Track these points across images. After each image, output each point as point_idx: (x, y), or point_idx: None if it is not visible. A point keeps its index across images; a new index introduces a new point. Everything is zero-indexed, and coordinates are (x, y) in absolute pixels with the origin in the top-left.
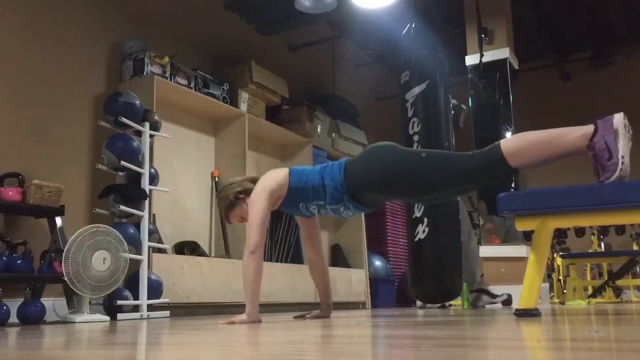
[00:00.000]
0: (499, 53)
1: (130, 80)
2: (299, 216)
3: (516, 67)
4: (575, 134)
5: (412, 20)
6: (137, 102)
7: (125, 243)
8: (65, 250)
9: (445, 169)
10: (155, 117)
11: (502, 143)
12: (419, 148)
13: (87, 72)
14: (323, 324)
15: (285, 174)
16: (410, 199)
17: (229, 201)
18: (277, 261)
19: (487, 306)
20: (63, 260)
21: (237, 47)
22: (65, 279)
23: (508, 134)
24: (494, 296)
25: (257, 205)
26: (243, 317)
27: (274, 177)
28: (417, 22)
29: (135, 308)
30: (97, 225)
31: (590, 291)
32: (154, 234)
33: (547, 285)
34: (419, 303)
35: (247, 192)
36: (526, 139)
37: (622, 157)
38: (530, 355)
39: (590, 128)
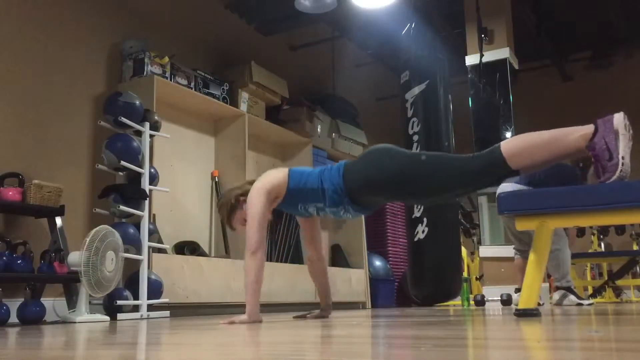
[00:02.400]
0: (499, 53)
1: (130, 80)
2: (299, 216)
3: (516, 67)
4: (575, 135)
5: (412, 20)
6: (137, 102)
7: (122, 243)
8: (84, 250)
9: (445, 172)
10: (155, 117)
11: (503, 145)
12: (419, 150)
13: (87, 72)
14: (323, 324)
15: (284, 174)
16: (410, 201)
17: (230, 205)
18: (277, 261)
19: (567, 307)
20: (82, 259)
21: (237, 47)
22: (82, 278)
23: (508, 134)
24: (580, 297)
25: (255, 204)
26: (243, 317)
27: (273, 176)
28: (417, 22)
29: (135, 308)
30: (106, 226)
31: (590, 291)
32: (154, 234)
33: (547, 285)
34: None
35: (247, 194)
36: (526, 140)
37: (623, 157)
38: (530, 355)
39: (590, 128)
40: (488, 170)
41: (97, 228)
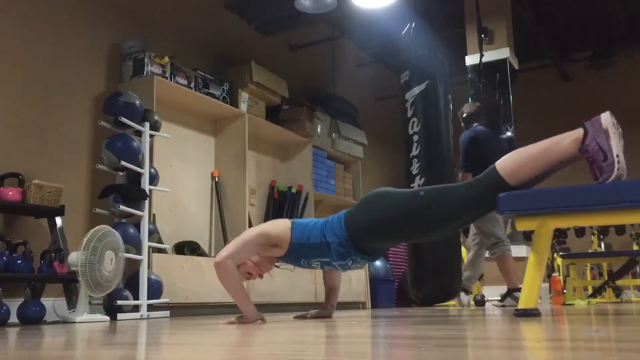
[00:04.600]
0: (499, 53)
1: (130, 80)
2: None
3: (516, 67)
4: (567, 140)
5: (412, 20)
6: (137, 102)
7: (122, 243)
8: (82, 250)
9: (446, 203)
10: (155, 117)
11: (498, 165)
12: (419, 149)
13: (87, 72)
14: (323, 324)
15: (287, 226)
16: (415, 239)
17: None
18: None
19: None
20: (79, 259)
21: (237, 47)
22: (80, 278)
23: (508, 134)
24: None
25: (244, 235)
26: (243, 317)
27: (274, 223)
28: (417, 22)
29: (135, 308)
30: (105, 226)
31: (590, 291)
32: (154, 234)
33: (547, 285)
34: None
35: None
36: (520, 155)
37: (617, 155)
38: (530, 355)
39: (579, 132)
40: (488, 193)
41: (96, 228)
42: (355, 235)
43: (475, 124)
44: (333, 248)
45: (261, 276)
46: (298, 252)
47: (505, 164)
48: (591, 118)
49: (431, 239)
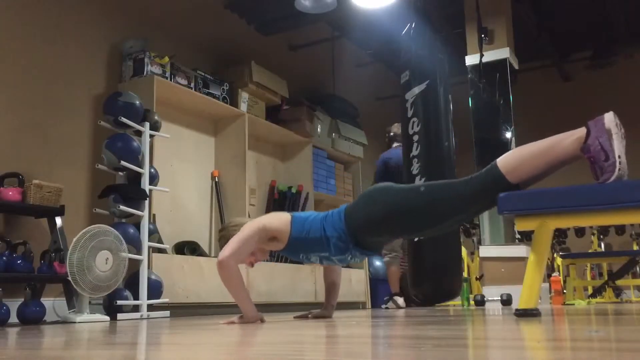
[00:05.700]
0: (499, 53)
1: (130, 80)
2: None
3: (516, 67)
4: (569, 139)
5: (412, 20)
6: (137, 102)
7: (124, 243)
8: (70, 250)
9: (446, 199)
10: (155, 117)
11: (499, 161)
12: (419, 150)
13: (87, 72)
14: (323, 323)
15: (287, 219)
16: (417, 234)
17: (230, 238)
18: (277, 261)
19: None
20: (67, 260)
21: (237, 47)
22: (70, 279)
23: (508, 134)
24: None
25: (245, 231)
26: (243, 317)
27: (274, 217)
28: (417, 22)
29: (135, 308)
30: (99, 225)
31: (590, 291)
32: (154, 234)
33: (547, 285)
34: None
35: None
36: (521, 153)
37: (619, 156)
38: (530, 355)
39: (582, 131)
40: (488, 189)
41: (87, 228)
42: (355, 230)
43: (395, 144)
44: (332, 243)
45: (252, 265)
46: (297, 246)
47: (506, 161)
48: (594, 117)
49: (430, 234)
